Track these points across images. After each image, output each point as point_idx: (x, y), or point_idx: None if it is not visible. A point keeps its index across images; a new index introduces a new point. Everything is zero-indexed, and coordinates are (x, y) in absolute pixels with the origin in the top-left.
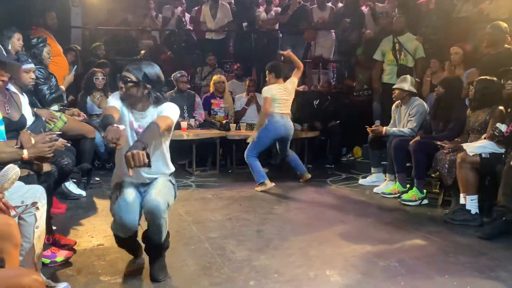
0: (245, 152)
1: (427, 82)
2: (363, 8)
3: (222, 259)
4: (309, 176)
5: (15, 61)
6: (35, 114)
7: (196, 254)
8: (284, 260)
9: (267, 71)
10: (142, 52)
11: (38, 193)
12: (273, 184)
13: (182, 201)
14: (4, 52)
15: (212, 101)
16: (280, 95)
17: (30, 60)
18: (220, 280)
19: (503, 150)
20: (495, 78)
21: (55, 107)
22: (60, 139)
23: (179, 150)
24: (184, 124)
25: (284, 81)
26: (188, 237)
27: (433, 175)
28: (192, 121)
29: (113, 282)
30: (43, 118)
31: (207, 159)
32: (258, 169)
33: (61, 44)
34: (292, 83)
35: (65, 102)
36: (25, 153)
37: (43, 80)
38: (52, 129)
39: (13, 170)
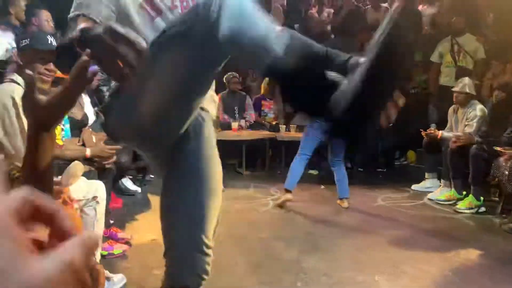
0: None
1: (487, 85)
2: (420, 7)
3: (271, 259)
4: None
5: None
6: (96, 114)
7: (246, 253)
8: (333, 263)
9: None
10: None
11: (98, 188)
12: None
13: (233, 200)
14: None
15: (263, 102)
16: None
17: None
18: (269, 279)
19: None
20: None
21: None
22: None
23: (229, 150)
24: (234, 124)
25: None
26: (238, 237)
27: (492, 182)
28: (242, 122)
29: None
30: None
31: (257, 160)
32: (295, 174)
33: None
34: None
35: None
36: (88, 152)
37: (103, 82)
38: None
39: (78, 165)
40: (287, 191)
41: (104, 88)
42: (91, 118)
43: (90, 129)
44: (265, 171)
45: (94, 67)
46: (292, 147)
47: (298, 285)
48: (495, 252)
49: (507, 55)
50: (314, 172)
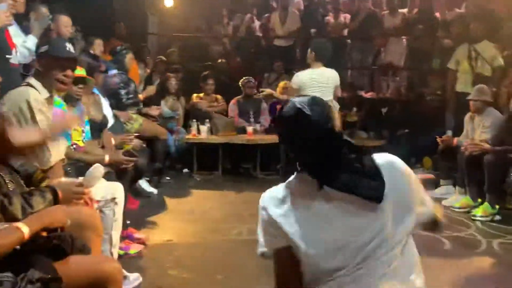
0: None
1: (504, 92)
2: (437, 14)
3: None
4: None
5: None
6: (115, 116)
7: (256, 256)
8: None
9: (309, 49)
10: (219, 61)
11: (117, 189)
12: None
13: (245, 203)
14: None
15: (277, 107)
16: (312, 81)
17: (113, 67)
18: None
19: None
20: None
21: (132, 110)
22: (137, 140)
23: (244, 153)
24: (250, 128)
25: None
26: (248, 238)
27: (507, 190)
28: (257, 126)
29: (180, 277)
30: (122, 120)
31: (271, 164)
32: None
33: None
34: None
35: (141, 106)
36: (106, 159)
37: (123, 85)
38: (130, 130)
39: (99, 168)
40: None
41: (123, 91)
42: (110, 120)
43: (109, 132)
44: (280, 174)
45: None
46: None
47: None
48: (509, 260)
49: None
50: None
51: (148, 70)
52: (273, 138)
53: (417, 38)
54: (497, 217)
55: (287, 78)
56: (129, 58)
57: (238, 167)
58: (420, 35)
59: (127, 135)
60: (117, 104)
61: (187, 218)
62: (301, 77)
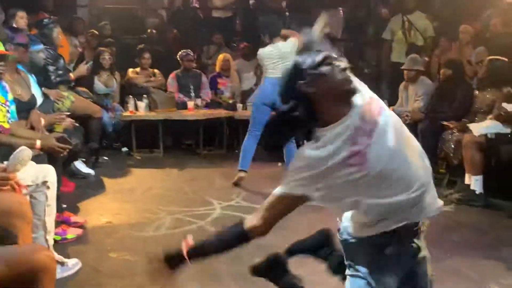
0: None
1: (435, 61)
2: None
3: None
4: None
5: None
6: (44, 94)
7: (203, 233)
8: (290, 239)
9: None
10: (149, 31)
11: (48, 172)
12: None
13: (189, 180)
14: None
15: (219, 80)
16: (271, 57)
17: (39, 41)
18: (226, 256)
19: (509, 130)
20: (505, 59)
21: (63, 88)
22: (69, 119)
23: (185, 130)
24: (190, 103)
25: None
26: (192, 214)
27: (439, 155)
28: (198, 101)
29: (121, 259)
30: (52, 98)
31: (214, 139)
32: (248, 154)
33: (67, 22)
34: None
35: (72, 84)
36: (38, 144)
37: (51, 61)
38: (61, 108)
39: (25, 151)
40: (242, 171)
41: (51, 68)
42: (39, 98)
43: (38, 111)
44: (223, 150)
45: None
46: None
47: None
48: (442, 221)
49: (454, 33)
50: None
51: (80, 48)
52: (215, 113)
53: (353, 8)
54: None
55: (227, 51)
56: (57, 32)
57: (180, 143)
58: (356, 5)
59: (58, 114)
60: (45, 81)
61: (127, 198)
62: (262, 53)
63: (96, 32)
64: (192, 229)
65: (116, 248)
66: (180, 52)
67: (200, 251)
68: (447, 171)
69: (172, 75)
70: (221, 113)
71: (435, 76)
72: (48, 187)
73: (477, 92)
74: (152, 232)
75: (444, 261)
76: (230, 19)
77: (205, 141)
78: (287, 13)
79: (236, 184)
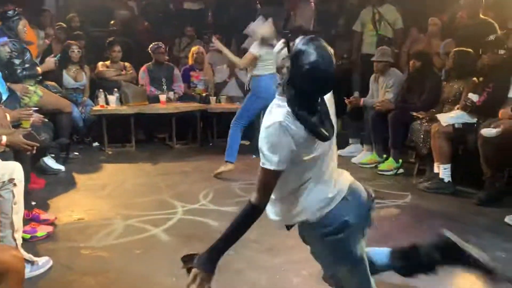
0: (233, 120)
1: (404, 53)
2: None
3: (203, 229)
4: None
5: None
6: (9, 89)
7: (177, 226)
8: (263, 230)
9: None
10: (112, 22)
11: (14, 169)
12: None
13: (162, 175)
14: None
15: (191, 73)
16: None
17: (3, 34)
18: (200, 249)
19: (475, 120)
20: (471, 50)
21: (30, 82)
22: (36, 114)
23: (158, 123)
24: (163, 97)
25: None
26: (169, 210)
27: (409, 145)
28: (171, 94)
29: (94, 255)
30: (18, 93)
31: (188, 132)
32: (236, 146)
33: (34, 15)
34: None
35: (40, 78)
36: (3, 140)
37: (16, 54)
38: (28, 103)
39: None
40: (230, 163)
41: (16, 61)
42: (4, 93)
43: (3, 106)
44: (197, 143)
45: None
46: (223, 118)
47: (230, 253)
48: (412, 209)
49: (423, 25)
50: (245, 142)
51: (48, 41)
52: (188, 106)
53: (325, 1)
54: (401, 171)
55: (199, 44)
56: (22, 24)
57: (153, 137)
58: None
59: (25, 109)
60: (11, 75)
61: (99, 194)
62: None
63: (64, 25)
64: (168, 224)
65: (88, 245)
66: (151, 45)
67: (221, 247)
68: (416, 161)
69: (143, 68)
70: (194, 106)
71: (405, 68)
72: (15, 185)
73: (444, 83)
74: (124, 229)
75: None
76: (202, 11)
77: (178, 135)
78: (258, 6)
79: (217, 176)
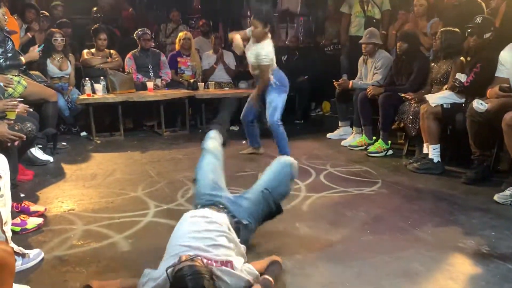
0: (272, 119)
1: (393, 34)
2: None
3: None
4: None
5: None
6: None
7: (168, 214)
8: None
9: (262, 23)
10: (94, 9)
11: (0, 161)
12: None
13: (152, 162)
14: None
15: (179, 59)
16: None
17: None
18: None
19: (463, 100)
20: (458, 30)
21: (13, 72)
22: (22, 105)
23: (146, 111)
24: (150, 84)
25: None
26: (161, 198)
27: (398, 126)
28: (158, 81)
29: (86, 246)
30: (1, 84)
31: (177, 119)
32: (285, 140)
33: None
34: None
35: (24, 68)
36: None
37: None
38: (12, 94)
39: None
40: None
41: None
42: None
43: None
44: (186, 130)
45: None
46: (211, 104)
47: None
48: (402, 190)
49: (409, 6)
50: (235, 128)
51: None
52: (176, 93)
53: None
54: (390, 152)
55: (185, 29)
56: (1, 13)
57: (141, 125)
58: None
59: (9, 100)
60: None
61: (88, 184)
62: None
63: (47, 14)
64: (162, 210)
65: (79, 236)
66: (136, 31)
67: None
68: (405, 142)
69: (129, 55)
70: (182, 93)
71: (393, 49)
72: (0, 176)
73: (432, 63)
74: (116, 218)
75: (404, 228)
76: None
77: (167, 122)
78: None
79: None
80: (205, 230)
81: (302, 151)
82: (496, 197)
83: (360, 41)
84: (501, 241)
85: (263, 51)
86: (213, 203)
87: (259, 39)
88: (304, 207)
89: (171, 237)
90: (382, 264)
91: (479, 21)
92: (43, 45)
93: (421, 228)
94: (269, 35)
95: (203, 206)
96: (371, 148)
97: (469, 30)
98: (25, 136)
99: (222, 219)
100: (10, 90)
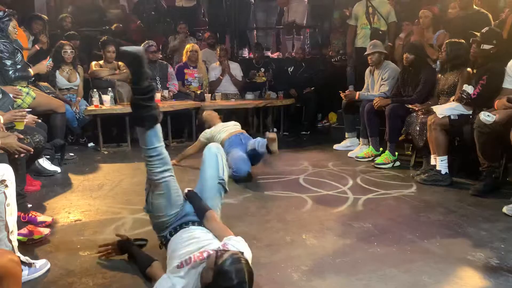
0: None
1: (399, 46)
2: None
3: None
4: None
5: None
6: (2, 91)
7: None
8: (262, 226)
9: None
10: (115, 25)
11: (5, 170)
12: None
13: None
14: None
15: (186, 71)
16: None
17: None
18: None
19: (470, 112)
20: (463, 41)
21: (22, 83)
22: (30, 115)
23: None
24: (157, 95)
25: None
26: None
27: (405, 137)
28: (165, 92)
29: (92, 257)
30: (11, 95)
31: (184, 130)
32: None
33: (24, 14)
34: None
35: (32, 79)
36: None
37: (7, 55)
38: (21, 105)
39: None
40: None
41: (8, 62)
42: None
43: None
44: (193, 141)
45: None
46: (218, 115)
47: None
48: (409, 202)
49: (415, 17)
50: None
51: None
52: (183, 104)
53: None
54: (397, 164)
55: (192, 41)
56: (12, 26)
57: None
58: None
59: (18, 111)
60: (3, 76)
61: (96, 194)
62: None
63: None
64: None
65: (86, 246)
66: (142, 45)
67: None
68: (413, 153)
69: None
70: (189, 104)
71: (400, 60)
72: (6, 186)
73: (439, 75)
74: (122, 229)
75: (412, 240)
76: (195, 8)
77: (174, 133)
78: (252, 1)
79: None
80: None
81: (308, 163)
82: (505, 209)
83: (365, 54)
84: (510, 254)
85: None
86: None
87: None
88: (311, 219)
89: (169, 253)
90: (390, 277)
91: (483, 31)
92: (51, 59)
93: (429, 240)
94: None
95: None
96: (378, 160)
97: (471, 40)
98: (32, 150)
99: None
100: (19, 101)
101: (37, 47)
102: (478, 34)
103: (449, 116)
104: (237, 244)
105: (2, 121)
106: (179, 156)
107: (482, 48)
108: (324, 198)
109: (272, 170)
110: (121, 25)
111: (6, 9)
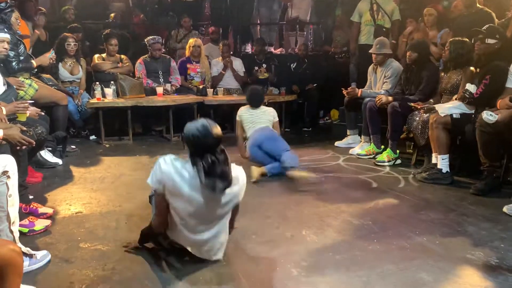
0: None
1: (402, 43)
2: None
3: None
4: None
5: None
6: (7, 83)
7: None
8: (262, 222)
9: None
10: (112, 15)
11: (7, 162)
12: None
13: None
14: None
15: (188, 65)
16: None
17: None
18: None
19: (473, 111)
20: (467, 39)
21: (25, 75)
22: (34, 108)
23: (155, 116)
24: (160, 89)
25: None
26: None
27: (407, 135)
28: (168, 86)
29: (93, 249)
30: (14, 86)
31: (185, 125)
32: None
33: (27, 7)
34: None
35: (35, 71)
36: (0, 134)
37: (11, 46)
38: (24, 97)
39: None
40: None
41: (11, 54)
42: (1, 87)
43: (0, 100)
44: None
45: None
46: (220, 110)
47: (230, 246)
48: (410, 200)
49: (419, 15)
50: None
51: (37, 31)
52: (185, 98)
53: None
54: (399, 161)
55: (196, 35)
56: (14, 17)
57: (150, 130)
58: None
59: (20, 102)
60: (6, 68)
61: (97, 187)
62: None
63: (43, 10)
64: None
65: (87, 238)
66: (147, 38)
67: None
68: (414, 151)
69: (139, 60)
70: (191, 98)
71: (403, 59)
72: (8, 177)
73: (442, 73)
74: (123, 222)
75: (412, 238)
76: (198, 3)
77: (176, 127)
78: None
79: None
80: None
81: (308, 159)
82: (505, 209)
83: (371, 51)
84: (510, 253)
85: None
86: None
87: None
88: (311, 215)
89: None
90: (389, 274)
91: (485, 28)
92: (53, 51)
93: (429, 239)
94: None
95: None
96: (380, 157)
97: (474, 37)
98: (34, 142)
99: None
100: (21, 92)
101: (37, 32)
102: (476, 31)
103: (451, 115)
104: None
105: (4, 113)
106: (241, 149)
107: (487, 43)
108: (323, 194)
109: None
110: (113, 14)
111: (8, 0)
